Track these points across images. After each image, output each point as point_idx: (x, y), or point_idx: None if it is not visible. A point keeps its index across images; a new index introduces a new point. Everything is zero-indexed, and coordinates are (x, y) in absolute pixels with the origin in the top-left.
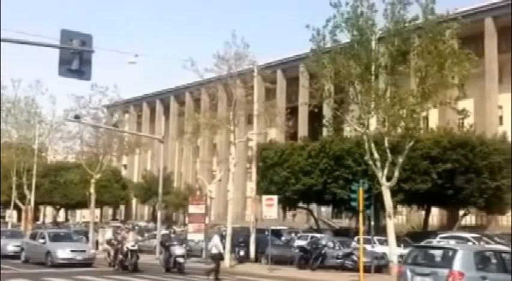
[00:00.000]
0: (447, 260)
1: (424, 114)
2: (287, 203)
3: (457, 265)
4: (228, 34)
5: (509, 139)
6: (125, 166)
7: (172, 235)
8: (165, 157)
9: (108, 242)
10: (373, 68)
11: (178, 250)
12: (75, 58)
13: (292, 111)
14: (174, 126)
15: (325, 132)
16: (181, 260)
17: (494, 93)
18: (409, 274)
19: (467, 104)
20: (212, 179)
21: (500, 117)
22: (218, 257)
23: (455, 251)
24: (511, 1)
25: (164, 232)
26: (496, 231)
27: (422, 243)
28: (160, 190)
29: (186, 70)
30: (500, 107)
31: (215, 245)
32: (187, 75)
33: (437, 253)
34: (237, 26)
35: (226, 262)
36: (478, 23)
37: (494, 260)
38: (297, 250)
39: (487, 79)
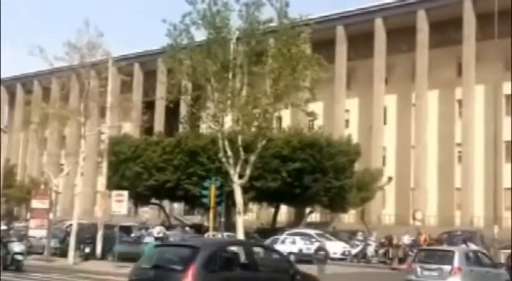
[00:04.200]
0: (448, 259)
1: (276, 114)
2: (139, 199)
3: (456, 262)
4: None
5: (354, 142)
6: None
7: (11, 231)
8: (9, 148)
9: None
10: (230, 67)
11: (16, 247)
12: None
13: (149, 106)
14: (20, 116)
15: (181, 128)
16: (19, 257)
17: (342, 98)
18: (419, 269)
19: (317, 107)
20: (60, 173)
21: (347, 121)
22: None
23: (453, 252)
24: (362, 11)
25: (3, 227)
26: (339, 228)
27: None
28: (1, 183)
29: (34, 57)
30: (347, 111)
31: None
32: (37, 63)
33: (444, 254)
34: (93, 15)
35: (70, 259)
36: (330, 30)
37: (474, 258)
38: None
39: (336, 84)
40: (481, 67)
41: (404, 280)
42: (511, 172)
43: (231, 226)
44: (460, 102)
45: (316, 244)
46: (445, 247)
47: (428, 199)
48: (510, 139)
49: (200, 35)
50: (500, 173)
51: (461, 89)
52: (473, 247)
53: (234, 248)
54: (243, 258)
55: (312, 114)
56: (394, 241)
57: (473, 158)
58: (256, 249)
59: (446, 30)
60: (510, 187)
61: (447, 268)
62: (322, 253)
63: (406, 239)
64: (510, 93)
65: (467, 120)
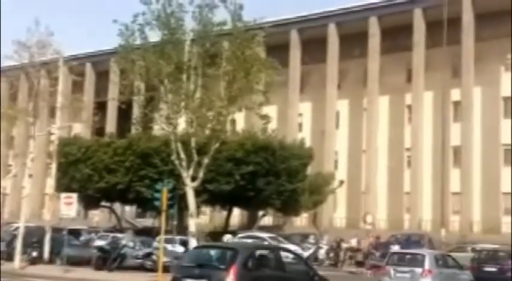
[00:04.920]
0: (420, 262)
1: (230, 117)
2: (89, 202)
3: (427, 265)
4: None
5: (307, 145)
6: None
7: None
8: None
9: None
10: (184, 68)
11: None
12: None
13: (101, 107)
14: None
15: (133, 129)
16: None
17: (295, 102)
18: (392, 271)
19: (270, 110)
20: (8, 174)
21: (300, 125)
22: None
23: (424, 255)
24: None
25: None
26: (291, 231)
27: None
28: None
29: None
30: (300, 115)
31: None
32: None
33: (414, 256)
34: (44, 14)
35: (16, 263)
36: (285, 34)
37: (442, 260)
38: (95, 250)
39: (290, 88)
40: (430, 74)
41: None
42: (458, 176)
43: (183, 229)
44: (409, 107)
45: None
46: (416, 251)
47: (378, 202)
48: (457, 144)
49: (154, 35)
50: (448, 177)
51: (411, 95)
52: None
53: (264, 252)
54: (272, 260)
55: (265, 118)
56: (345, 245)
57: (422, 163)
58: (283, 253)
59: (397, 37)
60: (457, 191)
61: (419, 270)
62: None
63: (354, 243)
64: (457, 99)
65: (416, 126)
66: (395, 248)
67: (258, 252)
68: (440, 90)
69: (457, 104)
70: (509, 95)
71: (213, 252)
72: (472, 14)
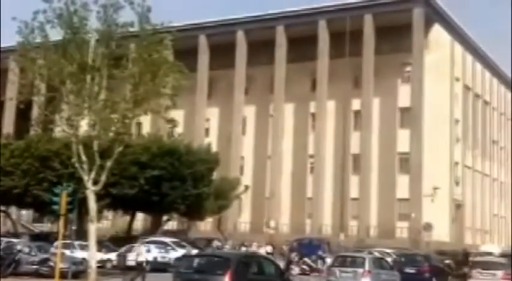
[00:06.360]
0: (361, 264)
1: (136, 120)
2: None
3: (367, 266)
4: None
5: (214, 150)
6: None
7: None
8: None
9: None
10: (87, 69)
11: None
12: None
13: None
14: None
15: (32, 131)
16: None
17: (203, 107)
18: (337, 272)
19: (177, 114)
20: None
21: (207, 129)
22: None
23: (364, 258)
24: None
25: None
26: (196, 236)
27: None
28: None
29: None
30: (207, 120)
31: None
32: None
33: (355, 259)
34: None
35: None
36: (193, 39)
37: (378, 263)
38: None
39: (198, 93)
40: (333, 83)
41: None
42: (357, 183)
43: (83, 234)
44: (313, 115)
45: (173, 253)
46: (358, 254)
47: (282, 207)
48: (357, 152)
49: (56, 34)
50: (347, 184)
51: (315, 103)
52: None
53: (249, 259)
54: (255, 265)
55: (172, 122)
56: (253, 248)
57: (324, 169)
58: (263, 260)
59: (303, 47)
60: (356, 197)
61: (360, 271)
62: None
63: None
64: (358, 109)
65: (319, 134)
66: (293, 255)
67: (245, 259)
68: (342, 99)
69: (357, 113)
70: (406, 106)
71: (207, 260)
72: (373, 28)
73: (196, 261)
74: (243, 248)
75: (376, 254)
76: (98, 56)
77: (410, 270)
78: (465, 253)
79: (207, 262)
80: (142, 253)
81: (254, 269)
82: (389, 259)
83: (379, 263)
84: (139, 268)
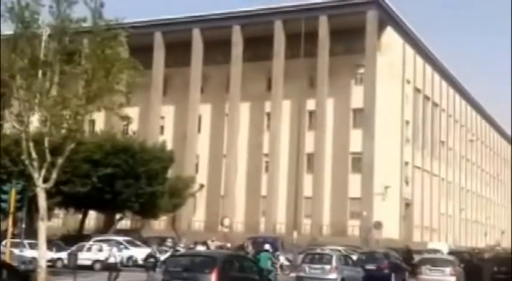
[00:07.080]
0: (328, 260)
1: (89, 117)
2: None
3: (334, 262)
4: None
5: (168, 148)
6: None
7: None
8: None
9: None
10: (39, 64)
11: None
12: None
13: None
14: None
15: None
16: None
17: (158, 104)
18: (307, 268)
19: (132, 112)
20: None
21: (162, 127)
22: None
23: (331, 255)
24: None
25: None
26: (149, 234)
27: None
28: None
29: None
30: (162, 118)
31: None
32: None
33: (323, 256)
34: None
35: None
36: (149, 36)
37: (344, 259)
38: None
39: (153, 90)
40: (289, 83)
41: (296, 276)
42: (311, 181)
43: (33, 233)
44: (268, 115)
45: (125, 251)
46: (325, 252)
47: (236, 205)
48: (311, 151)
49: (7, 28)
50: (301, 182)
51: (270, 103)
52: (267, 246)
53: (233, 258)
54: (238, 264)
55: (126, 119)
56: (212, 247)
57: (279, 168)
58: (243, 259)
59: (259, 46)
60: (309, 195)
61: (327, 267)
62: (152, 260)
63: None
64: (312, 109)
65: (274, 133)
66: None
67: (229, 258)
68: (297, 99)
69: (312, 113)
70: (359, 106)
71: (194, 259)
72: (328, 29)
73: (184, 260)
74: (199, 247)
75: (342, 251)
76: (50, 51)
77: (371, 267)
78: (408, 250)
79: (195, 260)
80: (115, 254)
81: (237, 268)
82: (354, 257)
83: (344, 260)
84: (112, 269)
